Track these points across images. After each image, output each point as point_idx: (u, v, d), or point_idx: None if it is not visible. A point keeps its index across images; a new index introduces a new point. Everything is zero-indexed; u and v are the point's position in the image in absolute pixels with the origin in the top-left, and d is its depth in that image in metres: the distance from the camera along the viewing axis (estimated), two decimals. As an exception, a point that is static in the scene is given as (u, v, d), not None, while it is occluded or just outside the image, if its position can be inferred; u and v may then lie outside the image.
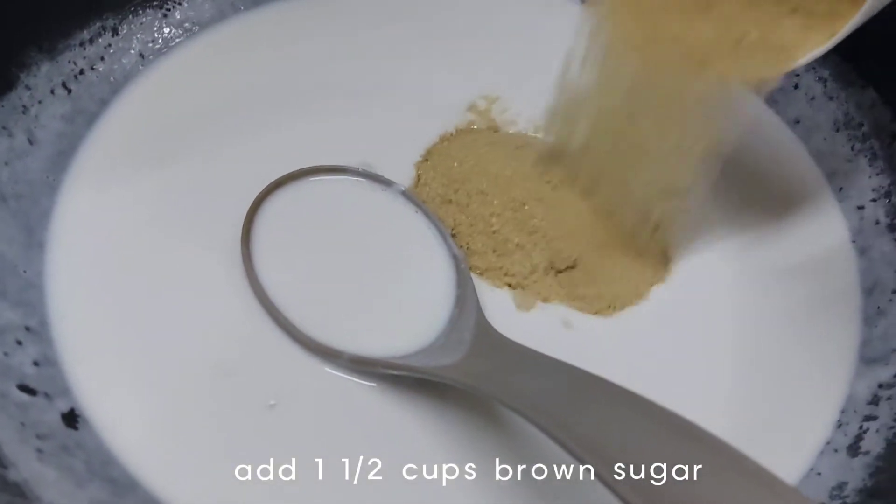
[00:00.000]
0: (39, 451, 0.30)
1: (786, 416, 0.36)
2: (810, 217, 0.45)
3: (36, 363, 0.34)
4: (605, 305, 0.39)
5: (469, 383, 0.32)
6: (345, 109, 0.46)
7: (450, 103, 0.46)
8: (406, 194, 0.41)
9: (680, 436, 0.26)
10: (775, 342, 0.39)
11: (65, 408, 0.33)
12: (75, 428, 0.33)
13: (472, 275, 0.39)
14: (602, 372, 0.30)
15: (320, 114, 0.46)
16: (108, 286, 0.38)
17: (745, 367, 0.38)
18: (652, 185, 0.39)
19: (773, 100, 0.49)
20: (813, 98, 0.48)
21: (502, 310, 0.38)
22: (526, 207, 0.40)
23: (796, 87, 0.49)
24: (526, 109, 0.46)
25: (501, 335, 0.34)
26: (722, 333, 0.39)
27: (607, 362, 0.31)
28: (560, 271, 0.39)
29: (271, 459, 0.33)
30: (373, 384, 0.35)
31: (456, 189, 0.41)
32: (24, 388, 0.33)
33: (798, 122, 0.48)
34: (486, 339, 0.35)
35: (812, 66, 0.48)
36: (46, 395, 0.33)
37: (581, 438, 0.27)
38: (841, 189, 0.45)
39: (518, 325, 0.36)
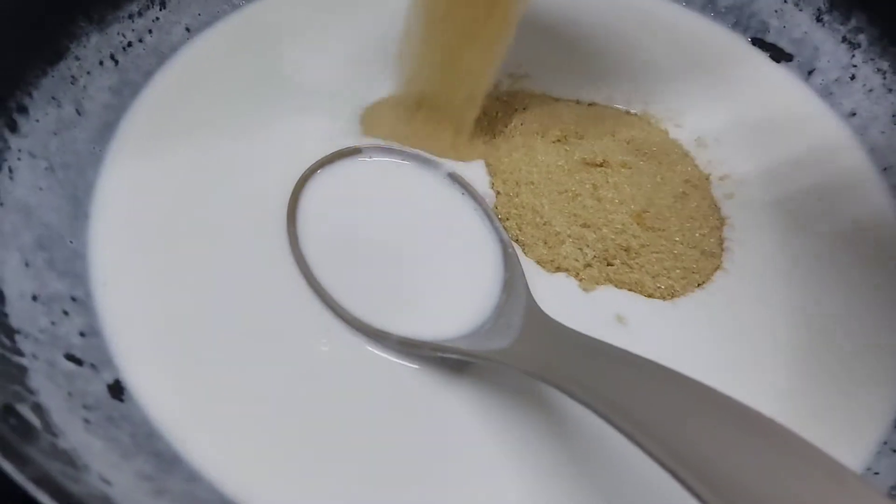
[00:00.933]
0: (87, 421, 0.30)
1: (842, 415, 0.35)
2: (863, 212, 0.43)
3: (82, 333, 0.34)
4: (660, 291, 0.38)
5: (523, 367, 0.32)
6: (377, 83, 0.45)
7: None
8: (454, 176, 0.41)
9: (744, 424, 0.25)
10: (832, 337, 0.38)
11: (110, 379, 0.33)
12: (121, 400, 0.32)
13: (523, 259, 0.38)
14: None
15: (369, 94, 0.45)
16: (152, 259, 0.37)
17: (801, 361, 0.37)
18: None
19: (827, 91, 0.48)
20: (871, 90, 0.47)
21: (553, 297, 0.37)
22: (578, 199, 0.39)
23: (853, 77, 0.48)
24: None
25: (553, 320, 0.34)
26: (778, 325, 0.38)
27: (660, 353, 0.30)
28: (611, 263, 0.38)
29: (314, 438, 0.33)
30: (416, 366, 0.35)
31: (504, 180, 0.41)
32: (72, 358, 0.33)
33: (854, 114, 0.47)
34: (538, 324, 0.34)
35: (871, 57, 0.47)
36: (92, 366, 0.33)
37: (641, 423, 0.26)
38: (896, 185, 0.44)
39: (569, 319, 0.35)
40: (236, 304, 0.36)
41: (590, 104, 0.46)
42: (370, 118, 0.43)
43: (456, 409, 0.34)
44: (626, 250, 0.38)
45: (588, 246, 0.38)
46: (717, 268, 0.39)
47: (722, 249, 0.40)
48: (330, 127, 0.43)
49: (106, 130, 0.41)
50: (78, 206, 0.38)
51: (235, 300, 0.36)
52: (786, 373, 0.37)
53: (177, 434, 0.32)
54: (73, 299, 0.35)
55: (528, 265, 0.38)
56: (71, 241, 0.37)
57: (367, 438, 0.33)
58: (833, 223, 0.42)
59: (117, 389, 0.33)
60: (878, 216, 0.43)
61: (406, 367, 0.35)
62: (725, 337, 0.37)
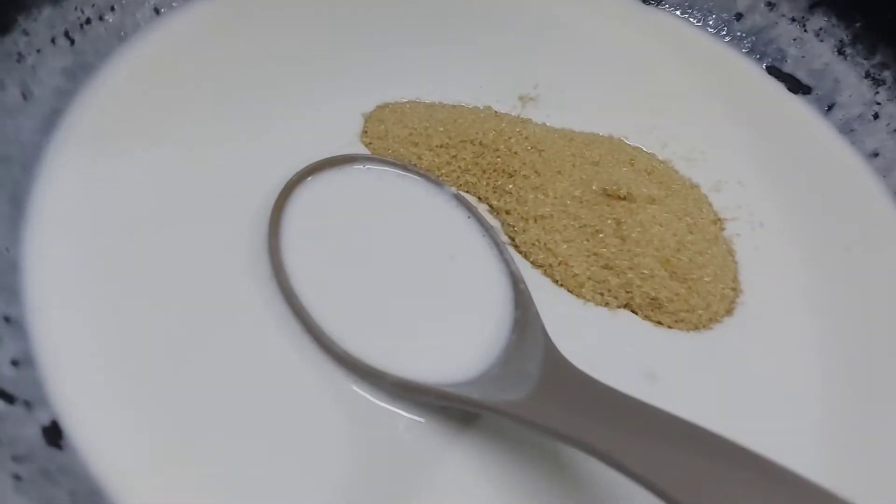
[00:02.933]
0: (17, 477, 0.24)
1: (874, 464, 0.32)
2: (888, 256, 0.40)
3: (15, 362, 0.28)
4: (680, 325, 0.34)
5: (543, 423, 0.27)
6: (384, 84, 0.40)
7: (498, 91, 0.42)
8: (459, 197, 0.36)
9: (777, 485, 0.24)
10: (860, 385, 0.35)
11: (46, 420, 0.27)
12: (59, 447, 0.27)
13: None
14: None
15: (357, 88, 0.40)
16: (101, 275, 0.32)
17: (832, 410, 0.34)
18: None
19: (849, 129, 0.45)
20: (895, 130, 0.44)
21: (571, 342, 0.32)
22: (599, 236, 0.35)
23: (876, 116, 0.45)
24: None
25: (578, 369, 0.29)
26: (804, 370, 0.35)
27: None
28: (635, 311, 0.34)
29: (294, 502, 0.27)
30: (414, 416, 0.30)
31: (509, 211, 0.37)
32: (1, 394, 0.27)
33: (876, 155, 0.44)
34: (559, 374, 0.29)
35: (896, 94, 0.44)
36: (26, 404, 0.27)
37: (674, 485, 0.24)
38: (924, 232, 0.41)
39: (586, 351, 0.31)
40: (201, 333, 0.31)
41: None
42: (374, 127, 0.38)
43: (461, 471, 0.29)
44: (653, 300, 0.34)
45: (610, 292, 0.34)
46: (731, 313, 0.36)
47: (737, 297, 0.36)
48: (316, 128, 0.38)
49: (56, 119, 0.35)
50: (17, 207, 0.32)
51: (200, 327, 0.31)
52: (819, 417, 0.33)
53: (126, 491, 0.27)
54: (7, 320, 0.29)
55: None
56: (7, 250, 0.31)
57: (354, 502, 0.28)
58: (854, 272, 0.39)
59: (54, 433, 0.27)
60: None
61: (402, 417, 0.30)
62: (752, 386, 0.34)
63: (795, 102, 0.47)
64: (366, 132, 0.38)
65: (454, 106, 0.40)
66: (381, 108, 0.39)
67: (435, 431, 0.30)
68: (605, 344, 0.33)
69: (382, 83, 0.41)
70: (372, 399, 0.30)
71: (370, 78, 0.41)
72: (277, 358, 0.31)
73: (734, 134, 0.44)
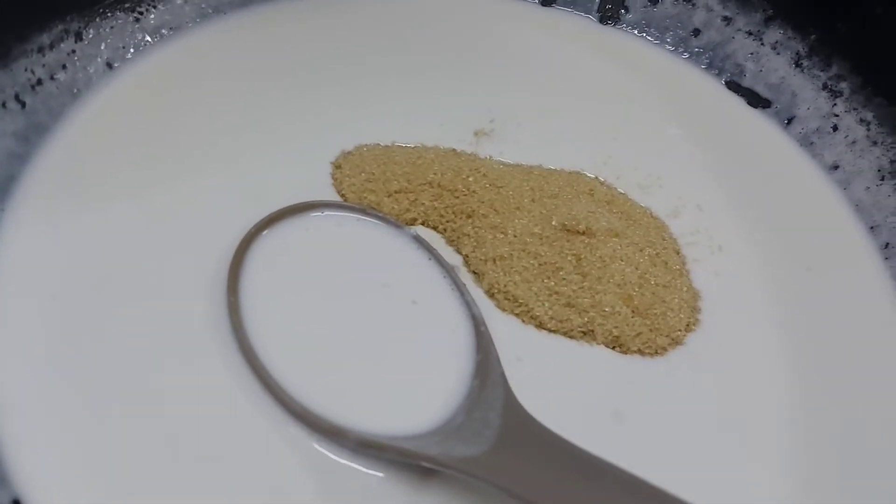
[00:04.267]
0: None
1: (843, 478, 0.33)
2: (850, 273, 0.41)
3: (-28, 443, 0.28)
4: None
5: (500, 482, 0.27)
6: (345, 129, 0.40)
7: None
8: (419, 239, 0.36)
9: None
10: (824, 404, 0.35)
11: (7, 500, 0.27)
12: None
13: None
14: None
15: (313, 133, 0.40)
16: (59, 344, 0.32)
17: (797, 430, 0.34)
18: None
19: (808, 142, 0.45)
20: (854, 142, 0.44)
21: (533, 385, 0.32)
22: (560, 273, 0.35)
23: (835, 128, 0.45)
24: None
25: (538, 423, 0.29)
26: (769, 390, 0.35)
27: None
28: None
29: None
30: (380, 474, 0.30)
31: (468, 254, 0.37)
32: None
33: (836, 167, 0.44)
34: (519, 427, 0.30)
35: (853, 106, 0.44)
36: (-15, 486, 0.27)
37: None
38: (887, 245, 0.41)
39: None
40: (164, 402, 0.31)
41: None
42: (340, 174, 0.38)
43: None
44: (616, 338, 0.34)
45: (573, 330, 0.34)
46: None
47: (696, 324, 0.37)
48: (273, 178, 0.38)
49: (9, 185, 0.35)
50: (-28, 279, 0.32)
51: (163, 396, 0.31)
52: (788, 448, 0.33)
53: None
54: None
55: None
56: (-39, 325, 0.31)
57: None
58: (816, 288, 0.39)
59: (16, 514, 0.27)
60: (867, 281, 0.40)
61: (363, 474, 0.30)
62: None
63: (755, 117, 0.47)
64: (335, 179, 0.38)
65: (413, 147, 0.40)
66: (344, 153, 0.39)
67: (396, 487, 0.30)
68: (570, 377, 0.34)
69: (344, 128, 0.40)
70: (333, 456, 0.30)
71: (332, 123, 0.41)
72: (239, 418, 0.31)
73: (694, 155, 0.44)
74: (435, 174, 0.38)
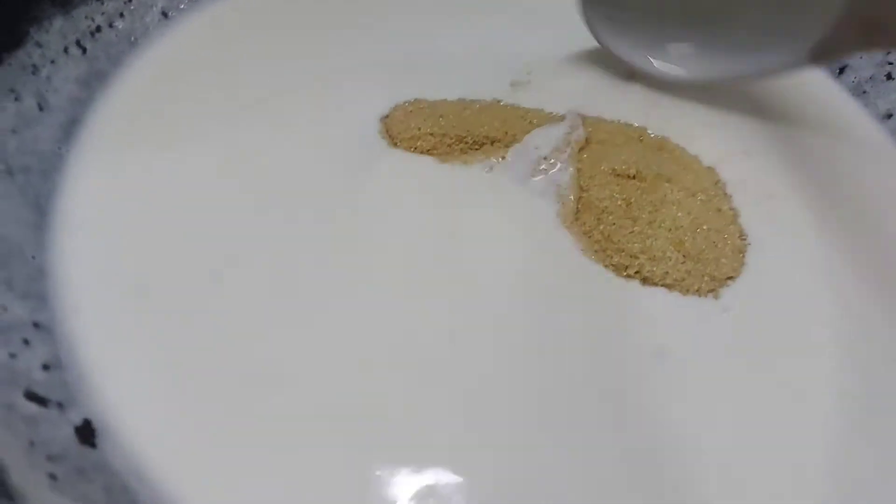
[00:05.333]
0: (52, 477, 0.26)
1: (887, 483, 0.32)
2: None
3: (46, 366, 0.29)
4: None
5: None
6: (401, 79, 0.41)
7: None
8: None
9: None
10: (876, 355, 0.34)
11: (78, 420, 0.29)
12: (93, 445, 0.28)
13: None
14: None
15: (361, 87, 0.41)
16: (129, 275, 0.33)
17: (845, 378, 0.33)
18: None
19: (860, 90, 0.45)
20: (909, 90, 0.43)
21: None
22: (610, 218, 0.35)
23: (889, 76, 0.44)
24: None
25: None
26: (817, 338, 0.35)
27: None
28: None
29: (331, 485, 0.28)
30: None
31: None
32: (33, 397, 0.28)
33: (890, 116, 0.44)
34: None
35: (910, 53, 0.43)
36: (59, 405, 0.28)
37: None
38: (941, 195, 0.40)
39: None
40: (233, 326, 0.31)
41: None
42: (394, 123, 0.39)
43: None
44: (665, 282, 0.34)
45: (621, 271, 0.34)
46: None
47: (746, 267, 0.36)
48: (337, 118, 0.38)
49: (73, 128, 0.36)
50: (41, 215, 0.33)
51: (232, 320, 0.32)
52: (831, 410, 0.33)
53: (159, 486, 0.28)
54: (36, 326, 0.30)
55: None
56: (33, 257, 0.32)
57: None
58: (867, 238, 0.39)
59: (87, 432, 0.28)
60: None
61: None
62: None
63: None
64: (386, 131, 0.38)
65: (457, 101, 0.40)
66: (393, 108, 0.40)
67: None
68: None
69: (390, 84, 0.41)
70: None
71: (378, 79, 0.41)
72: (309, 350, 0.31)
73: (743, 104, 0.43)
74: (483, 126, 0.38)
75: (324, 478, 0.28)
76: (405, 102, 0.40)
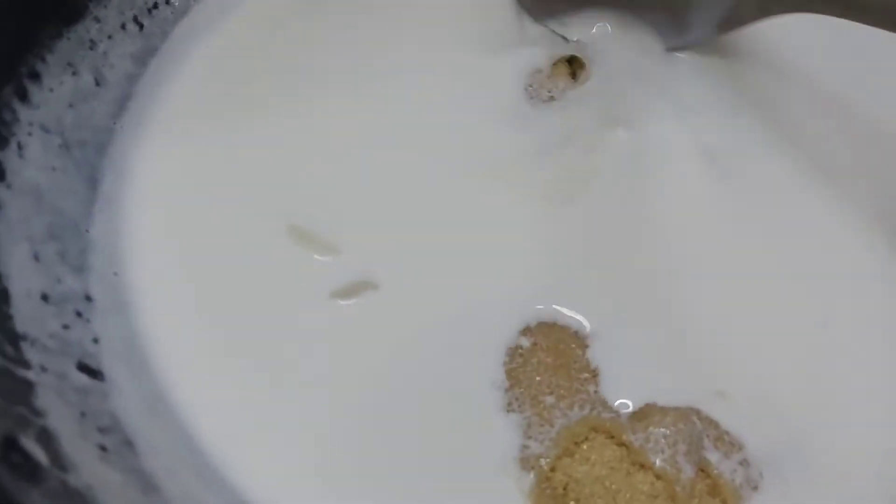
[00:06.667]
0: (103, 448, 0.26)
1: None
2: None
3: (96, 339, 0.30)
4: None
5: None
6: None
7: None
8: None
9: None
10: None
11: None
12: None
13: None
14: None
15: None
16: (185, 248, 0.33)
17: None
18: None
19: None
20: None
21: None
22: None
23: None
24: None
25: None
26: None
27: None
28: None
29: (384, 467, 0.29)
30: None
31: None
32: (85, 369, 0.28)
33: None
34: None
35: None
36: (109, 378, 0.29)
37: None
38: None
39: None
40: (287, 298, 0.32)
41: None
42: None
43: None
44: None
45: None
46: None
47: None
48: (401, 103, 0.38)
49: (129, 103, 0.36)
50: (95, 189, 0.33)
51: (285, 293, 0.32)
52: None
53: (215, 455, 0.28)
54: (89, 299, 0.30)
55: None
56: (87, 231, 0.32)
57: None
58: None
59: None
60: None
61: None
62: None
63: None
64: None
65: None
66: None
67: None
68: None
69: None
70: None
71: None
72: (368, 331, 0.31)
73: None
74: None
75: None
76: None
